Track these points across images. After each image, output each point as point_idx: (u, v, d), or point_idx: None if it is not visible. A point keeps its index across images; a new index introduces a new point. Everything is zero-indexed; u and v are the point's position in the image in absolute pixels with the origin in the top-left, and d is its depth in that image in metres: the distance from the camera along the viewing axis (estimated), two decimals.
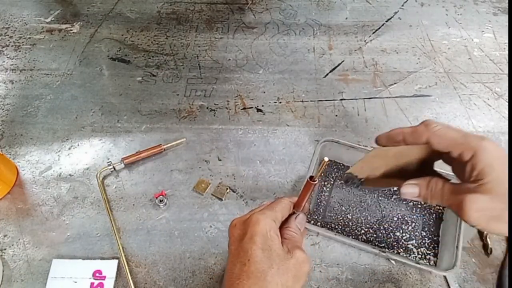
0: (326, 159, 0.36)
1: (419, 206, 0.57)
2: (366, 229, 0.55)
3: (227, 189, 0.60)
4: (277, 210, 0.38)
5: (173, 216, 0.57)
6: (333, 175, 0.60)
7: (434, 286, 0.51)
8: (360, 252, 0.54)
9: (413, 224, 0.55)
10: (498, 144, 0.33)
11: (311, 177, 0.38)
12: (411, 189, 0.38)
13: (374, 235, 0.55)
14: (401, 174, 0.40)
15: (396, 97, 0.71)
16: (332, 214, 0.57)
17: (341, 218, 0.56)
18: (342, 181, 0.59)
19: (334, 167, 0.61)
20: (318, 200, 0.58)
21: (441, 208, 0.57)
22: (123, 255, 0.53)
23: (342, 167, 0.61)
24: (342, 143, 0.57)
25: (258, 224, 0.35)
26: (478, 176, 0.33)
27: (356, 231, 0.55)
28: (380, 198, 0.58)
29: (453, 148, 0.34)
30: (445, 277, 0.52)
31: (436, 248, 0.53)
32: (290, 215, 0.41)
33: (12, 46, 0.81)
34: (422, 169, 0.40)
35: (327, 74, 0.75)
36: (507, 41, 0.80)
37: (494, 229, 0.34)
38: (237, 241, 0.35)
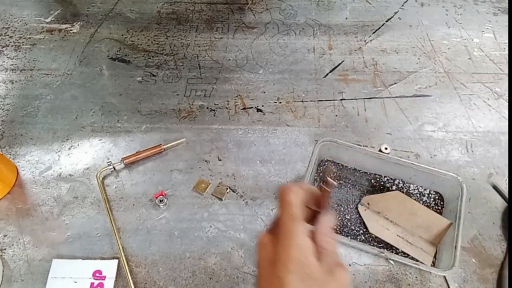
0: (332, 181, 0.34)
1: None
2: (365, 230, 0.55)
3: (227, 189, 0.60)
4: (299, 215, 0.32)
5: (173, 216, 0.57)
6: (331, 175, 0.60)
7: (434, 286, 0.51)
8: (360, 252, 0.54)
9: None
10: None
11: (327, 182, 0.34)
12: None
13: (373, 236, 0.55)
14: None
15: (396, 97, 0.71)
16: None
17: (339, 218, 0.56)
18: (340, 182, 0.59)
19: (333, 167, 0.61)
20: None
21: (439, 208, 0.57)
22: (123, 255, 0.53)
23: (341, 167, 0.61)
24: (341, 143, 0.57)
25: (291, 247, 0.30)
26: None
27: (355, 231, 0.55)
28: None
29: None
30: (444, 277, 0.52)
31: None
32: (317, 212, 0.36)
33: (12, 46, 0.81)
34: None
35: (327, 74, 0.75)
36: (507, 41, 0.80)
37: None
38: (269, 265, 0.31)
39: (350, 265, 0.53)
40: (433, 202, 0.58)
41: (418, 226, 0.54)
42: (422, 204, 0.57)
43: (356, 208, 0.57)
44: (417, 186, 0.59)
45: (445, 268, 0.47)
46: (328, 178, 0.35)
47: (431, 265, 0.52)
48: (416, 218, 0.55)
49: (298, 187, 0.33)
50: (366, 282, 0.51)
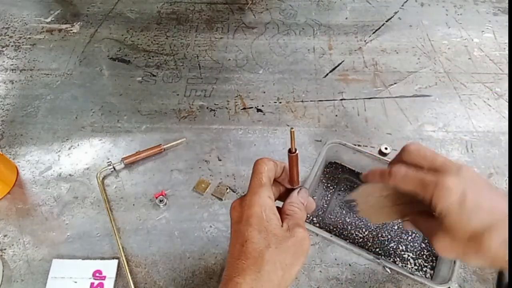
0: (293, 129, 0.36)
1: None
2: (364, 234, 0.55)
3: (227, 189, 0.60)
4: (267, 181, 0.37)
5: (173, 216, 0.57)
6: (338, 176, 0.60)
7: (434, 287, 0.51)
8: (361, 252, 0.54)
9: (413, 235, 0.55)
10: (463, 178, 0.34)
11: (289, 150, 0.37)
12: (410, 227, 0.41)
13: (372, 241, 0.55)
14: (398, 207, 0.41)
15: (396, 97, 0.71)
16: (332, 216, 0.56)
17: (340, 220, 0.56)
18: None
19: (339, 169, 0.61)
20: (320, 201, 0.58)
21: None
22: (123, 255, 0.53)
23: (347, 170, 0.61)
24: (349, 146, 0.57)
25: (253, 206, 0.35)
26: (440, 216, 0.34)
27: (354, 235, 0.55)
28: None
29: (416, 193, 0.35)
30: None
31: (434, 261, 0.53)
32: (292, 189, 0.40)
33: (12, 46, 0.81)
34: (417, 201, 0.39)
35: (327, 74, 0.75)
36: (507, 41, 0.80)
37: (467, 263, 0.34)
38: (236, 223, 0.36)
39: (350, 265, 0.53)
40: None
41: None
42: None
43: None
44: None
45: (441, 282, 0.47)
46: (291, 147, 0.38)
47: (428, 277, 0.52)
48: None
49: (271, 161, 0.38)
50: (366, 282, 0.51)
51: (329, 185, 0.59)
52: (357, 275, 0.52)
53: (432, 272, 0.52)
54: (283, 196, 0.41)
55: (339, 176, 0.61)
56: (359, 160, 0.59)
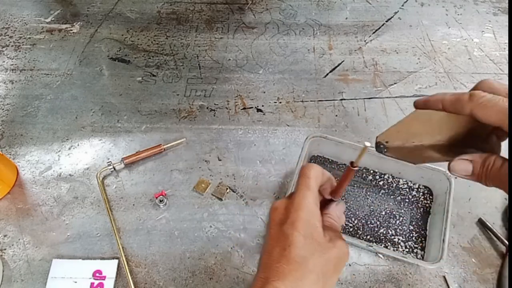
0: (368, 144, 0.32)
1: (407, 200, 0.58)
2: (353, 223, 0.56)
3: (227, 189, 0.60)
4: (315, 188, 0.35)
5: (173, 216, 0.57)
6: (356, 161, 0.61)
7: (434, 286, 0.51)
8: (360, 252, 0.54)
9: (401, 218, 0.56)
10: None
11: (352, 163, 0.35)
12: (463, 165, 0.32)
13: (362, 229, 0.55)
14: (444, 146, 0.34)
15: (396, 97, 0.71)
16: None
17: None
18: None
19: (323, 162, 0.62)
20: None
21: (428, 202, 0.57)
22: (123, 255, 0.53)
23: (330, 162, 0.62)
24: (330, 139, 0.57)
25: (301, 210, 0.33)
26: None
27: (344, 224, 0.56)
28: (368, 192, 0.59)
29: (503, 122, 0.29)
30: (444, 277, 0.52)
31: (424, 242, 0.54)
32: (330, 201, 0.39)
33: (12, 46, 0.81)
34: (473, 142, 0.34)
35: (327, 74, 0.75)
36: (507, 41, 0.80)
37: None
38: (278, 225, 0.34)
39: (350, 265, 0.53)
40: (422, 197, 0.58)
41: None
42: (411, 198, 0.58)
43: (344, 201, 0.58)
44: (406, 181, 0.60)
45: (432, 262, 0.48)
46: (353, 161, 0.35)
47: (419, 258, 0.53)
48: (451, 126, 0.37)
49: (319, 168, 0.37)
50: (366, 282, 0.51)
51: None
52: (357, 275, 0.52)
53: (423, 253, 0.53)
54: (320, 206, 0.38)
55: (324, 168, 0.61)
56: (341, 151, 0.60)
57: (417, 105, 0.35)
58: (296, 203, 0.34)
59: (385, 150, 0.36)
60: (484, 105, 0.30)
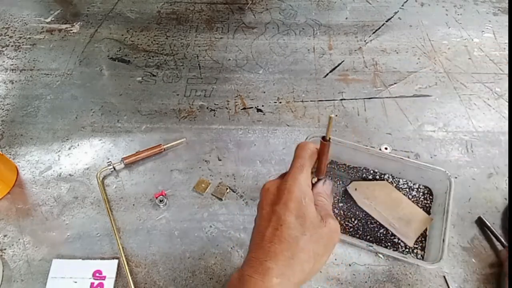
0: (332, 115, 0.35)
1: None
2: (353, 223, 0.56)
3: (227, 189, 0.60)
4: (308, 168, 0.36)
5: (173, 216, 0.57)
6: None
7: (434, 286, 0.51)
8: (360, 252, 0.54)
9: None
10: None
11: (323, 137, 0.36)
12: None
13: (362, 229, 0.55)
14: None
15: (396, 97, 0.71)
16: None
17: None
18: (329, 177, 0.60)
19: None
20: None
21: (428, 202, 0.57)
22: (123, 255, 0.53)
23: (329, 162, 0.62)
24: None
25: (293, 191, 0.34)
26: None
27: (344, 225, 0.56)
28: None
29: None
30: (444, 277, 0.52)
31: (424, 242, 0.54)
32: (317, 180, 0.39)
33: (12, 46, 0.81)
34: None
35: (327, 74, 0.75)
36: (507, 41, 0.80)
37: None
38: (270, 205, 0.34)
39: (350, 265, 0.53)
40: (422, 197, 0.58)
41: (399, 218, 0.55)
42: (411, 198, 0.58)
43: (344, 201, 0.58)
44: (406, 181, 0.59)
45: (432, 261, 0.48)
46: (324, 136, 0.36)
47: (419, 258, 0.53)
48: (398, 210, 0.56)
49: (314, 147, 0.37)
50: (366, 282, 0.51)
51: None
52: (357, 275, 0.52)
53: (423, 253, 0.53)
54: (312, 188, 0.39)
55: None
56: (341, 151, 0.60)
57: None
58: (288, 183, 0.34)
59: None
60: None
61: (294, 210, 0.33)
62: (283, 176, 0.37)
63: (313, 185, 0.39)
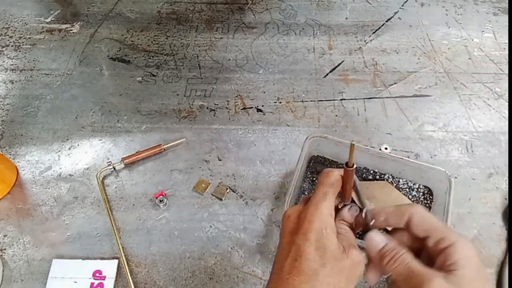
0: (354, 142, 0.34)
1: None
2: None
3: (227, 189, 0.60)
4: (331, 196, 0.35)
5: (173, 216, 0.57)
6: (318, 169, 0.61)
7: None
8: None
9: None
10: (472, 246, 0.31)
11: (347, 164, 0.35)
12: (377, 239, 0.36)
13: (361, 231, 0.55)
14: None
15: (396, 97, 0.71)
16: None
17: None
18: None
19: (323, 162, 0.62)
20: (303, 195, 0.58)
21: (428, 202, 0.57)
22: (123, 255, 0.53)
23: (330, 162, 0.62)
24: (330, 139, 0.57)
25: (314, 221, 0.32)
26: (451, 266, 0.30)
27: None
28: None
29: (433, 232, 0.32)
30: None
31: None
32: (342, 206, 0.38)
33: (12, 46, 0.81)
34: None
35: (327, 74, 0.75)
36: (507, 41, 0.80)
37: None
38: (290, 235, 0.33)
39: None
40: (422, 197, 0.58)
41: None
42: (411, 198, 0.58)
43: None
44: (406, 181, 0.59)
45: None
46: (347, 162, 0.35)
47: None
48: None
49: (339, 174, 0.36)
50: (366, 282, 0.51)
51: (314, 178, 0.60)
52: None
53: None
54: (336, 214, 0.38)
55: (323, 169, 0.61)
56: (341, 151, 0.60)
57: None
58: (309, 212, 0.33)
59: None
60: (419, 215, 0.33)
61: (314, 241, 0.32)
62: (306, 201, 0.35)
63: (338, 210, 0.38)
